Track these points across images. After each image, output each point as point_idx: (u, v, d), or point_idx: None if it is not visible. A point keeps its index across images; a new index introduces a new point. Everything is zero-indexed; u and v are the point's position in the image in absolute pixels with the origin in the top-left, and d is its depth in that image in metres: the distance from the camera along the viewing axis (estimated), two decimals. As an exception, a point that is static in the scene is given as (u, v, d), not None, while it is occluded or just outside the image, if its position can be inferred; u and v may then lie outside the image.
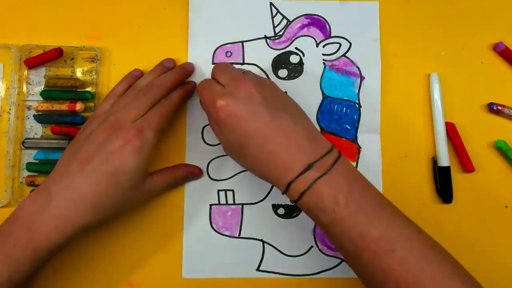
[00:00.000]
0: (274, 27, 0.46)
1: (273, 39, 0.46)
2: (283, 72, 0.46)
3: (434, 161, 0.45)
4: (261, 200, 0.44)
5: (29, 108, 0.45)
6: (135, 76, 0.44)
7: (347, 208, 0.33)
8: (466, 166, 0.44)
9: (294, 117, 0.37)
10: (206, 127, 0.45)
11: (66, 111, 0.44)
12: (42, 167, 0.43)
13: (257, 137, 0.35)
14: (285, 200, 0.44)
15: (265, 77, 0.46)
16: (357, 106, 0.45)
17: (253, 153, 0.36)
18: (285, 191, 0.35)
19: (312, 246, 0.44)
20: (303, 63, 0.46)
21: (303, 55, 0.46)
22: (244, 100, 0.36)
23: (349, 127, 0.45)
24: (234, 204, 0.44)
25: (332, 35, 0.46)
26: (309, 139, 0.36)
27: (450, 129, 0.45)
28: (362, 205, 0.34)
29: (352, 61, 0.46)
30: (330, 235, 0.35)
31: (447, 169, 0.44)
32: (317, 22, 0.46)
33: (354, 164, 0.45)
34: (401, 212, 0.35)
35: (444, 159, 0.44)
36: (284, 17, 0.46)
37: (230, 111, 0.35)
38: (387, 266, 0.32)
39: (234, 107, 0.35)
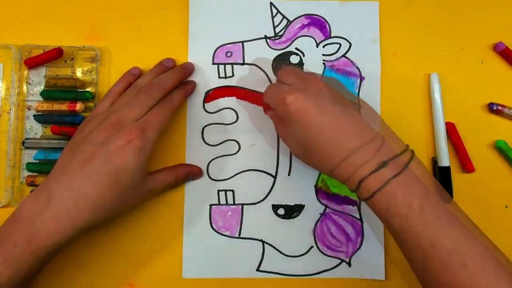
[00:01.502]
0: (274, 27, 0.46)
1: (273, 39, 0.46)
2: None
3: (434, 161, 0.45)
4: (261, 200, 0.44)
5: (29, 108, 0.45)
6: (134, 74, 0.44)
7: (421, 214, 0.32)
8: (466, 166, 0.44)
9: (364, 114, 0.36)
10: (206, 127, 0.45)
11: (66, 111, 0.44)
12: (42, 167, 0.43)
13: (329, 132, 0.34)
14: (285, 200, 0.44)
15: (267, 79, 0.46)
16: (357, 106, 0.45)
17: (323, 149, 0.35)
18: (355, 189, 0.34)
19: (312, 246, 0.44)
20: (303, 64, 0.46)
21: (303, 56, 0.46)
22: (314, 95, 0.36)
23: (349, 127, 0.45)
24: (234, 204, 0.44)
25: (332, 35, 0.46)
26: (382, 137, 0.35)
27: (450, 129, 0.45)
28: (437, 212, 0.32)
29: (352, 62, 0.46)
30: (399, 240, 0.34)
31: (447, 169, 0.44)
32: (317, 22, 0.46)
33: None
34: (475, 224, 0.34)
35: (444, 159, 0.44)
36: (284, 17, 0.46)
37: (300, 106, 0.35)
38: (457, 280, 0.31)
39: (304, 102, 0.35)
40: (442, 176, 0.44)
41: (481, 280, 0.31)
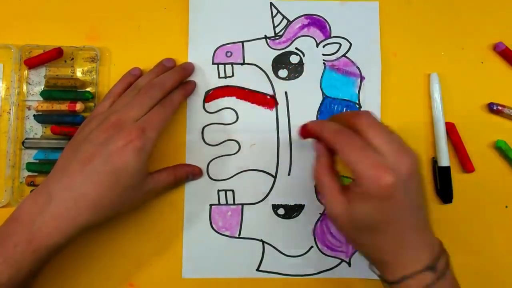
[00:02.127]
0: (274, 27, 0.46)
1: (273, 39, 0.46)
2: (283, 72, 0.46)
3: (434, 161, 0.45)
4: (261, 200, 0.44)
5: (29, 108, 0.45)
6: (134, 75, 0.44)
7: None
8: (466, 166, 0.44)
9: (426, 212, 0.34)
10: (206, 127, 0.45)
11: (66, 111, 0.44)
12: (42, 167, 0.43)
13: (396, 224, 0.32)
14: (285, 200, 0.44)
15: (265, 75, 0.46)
16: (357, 106, 0.45)
17: (380, 238, 0.33)
18: (393, 283, 0.33)
19: (312, 246, 0.44)
20: (303, 63, 0.46)
21: (303, 55, 0.46)
22: (404, 182, 0.31)
23: (349, 127, 0.45)
24: (234, 204, 0.44)
25: (332, 35, 0.46)
26: (430, 236, 0.34)
27: (450, 129, 0.45)
28: None
29: (352, 61, 0.46)
30: None
31: (447, 169, 0.44)
32: (317, 22, 0.46)
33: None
34: None
35: (444, 159, 0.44)
36: (284, 17, 0.46)
37: (390, 191, 0.31)
38: None
39: (397, 189, 0.31)
40: (442, 176, 0.44)
41: None
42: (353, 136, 0.33)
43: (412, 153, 0.33)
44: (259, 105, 0.45)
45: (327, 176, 0.35)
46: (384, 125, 0.34)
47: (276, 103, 0.45)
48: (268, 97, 0.45)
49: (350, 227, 0.34)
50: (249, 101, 0.45)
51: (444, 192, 0.44)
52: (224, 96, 0.45)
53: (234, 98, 0.45)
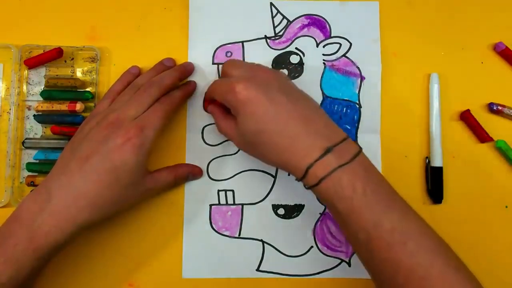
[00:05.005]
0: (274, 27, 0.46)
1: (273, 39, 0.46)
2: (283, 72, 0.46)
3: (428, 161, 0.45)
4: (261, 200, 0.44)
5: (29, 108, 0.45)
6: (133, 73, 0.44)
7: (364, 197, 0.33)
8: (483, 138, 0.45)
9: (310, 104, 0.37)
10: (206, 127, 0.45)
11: (66, 111, 0.44)
12: (42, 167, 0.43)
13: (277, 121, 0.35)
14: (285, 200, 0.44)
15: None
16: (357, 106, 0.45)
17: (271, 138, 0.36)
18: (302, 177, 0.35)
19: (312, 246, 0.44)
20: (303, 63, 0.46)
21: (303, 55, 0.46)
22: (263, 85, 0.36)
23: (349, 127, 0.45)
24: (234, 204, 0.44)
25: (332, 35, 0.46)
26: (326, 126, 0.36)
27: (466, 116, 0.45)
28: (378, 195, 0.34)
29: (352, 61, 0.46)
30: (344, 224, 0.35)
31: (439, 170, 0.44)
32: (317, 22, 0.46)
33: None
34: (411, 207, 0.36)
35: (437, 160, 0.44)
36: (284, 17, 0.46)
37: (250, 95, 0.35)
38: (398, 258, 0.32)
39: (254, 91, 0.36)
40: (434, 176, 0.44)
41: (419, 257, 0.32)
42: (217, 80, 0.41)
43: (265, 68, 0.39)
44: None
45: (216, 109, 0.41)
46: (240, 60, 0.44)
47: (276, 103, 0.45)
48: (268, 97, 0.45)
49: (245, 143, 0.38)
50: (249, 101, 0.45)
51: (435, 192, 0.44)
52: (224, 96, 0.45)
53: (234, 98, 0.45)
